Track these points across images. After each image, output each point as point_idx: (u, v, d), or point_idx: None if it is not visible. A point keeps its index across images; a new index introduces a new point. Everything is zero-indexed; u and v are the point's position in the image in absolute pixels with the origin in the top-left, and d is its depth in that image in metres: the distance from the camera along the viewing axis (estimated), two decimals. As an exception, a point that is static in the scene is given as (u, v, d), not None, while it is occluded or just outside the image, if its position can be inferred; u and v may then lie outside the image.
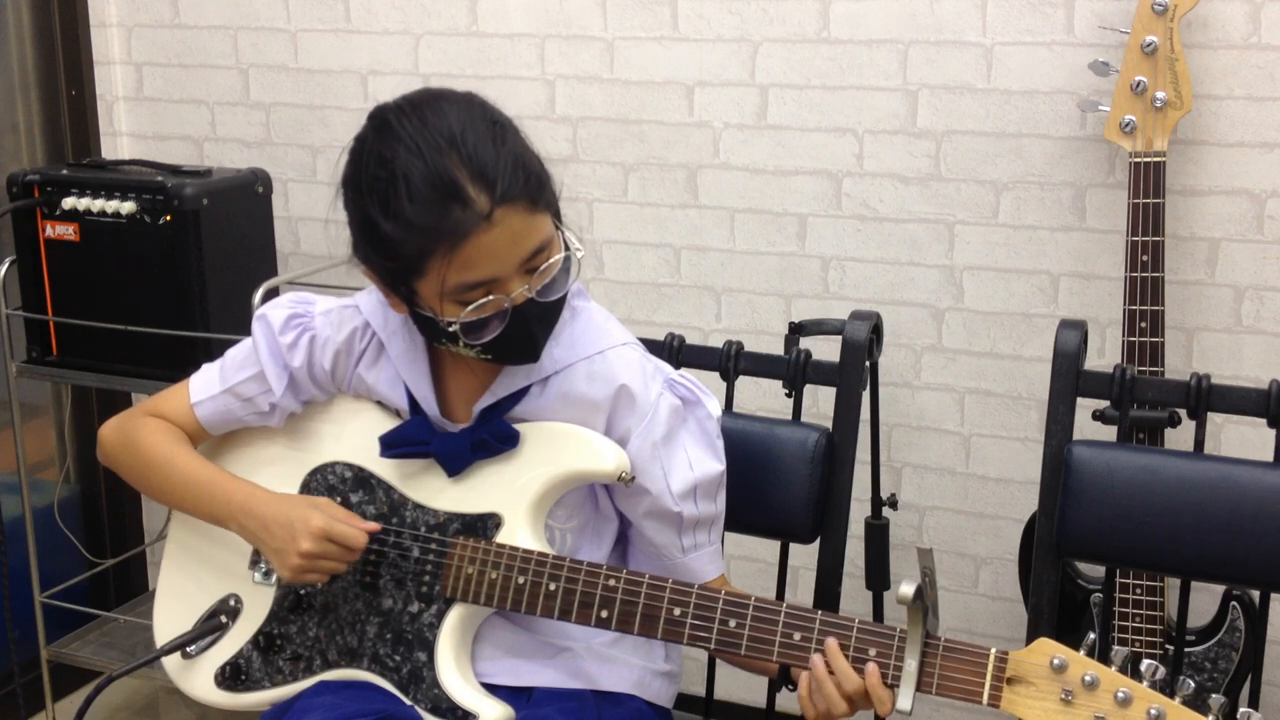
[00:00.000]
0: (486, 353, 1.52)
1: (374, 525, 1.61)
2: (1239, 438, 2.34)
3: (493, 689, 1.60)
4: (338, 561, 1.58)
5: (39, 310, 2.65)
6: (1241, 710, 1.30)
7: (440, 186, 1.42)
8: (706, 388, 1.67)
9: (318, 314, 1.70)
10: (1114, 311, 2.34)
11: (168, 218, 2.50)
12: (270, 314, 1.70)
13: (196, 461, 1.70)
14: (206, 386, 1.73)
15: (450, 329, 1.49)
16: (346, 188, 1.51)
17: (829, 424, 1.82)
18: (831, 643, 1.43)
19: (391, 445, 1.63)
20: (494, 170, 1.43)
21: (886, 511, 2.46)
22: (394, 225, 1.44)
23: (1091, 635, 1.36)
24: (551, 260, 1.49)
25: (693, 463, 1.62)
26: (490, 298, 1.46)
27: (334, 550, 1.57)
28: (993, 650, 1.37)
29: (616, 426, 1.60)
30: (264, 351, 1.69)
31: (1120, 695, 1.30)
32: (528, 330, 1.51)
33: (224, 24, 2.94)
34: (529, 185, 1.45)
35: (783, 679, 1.59)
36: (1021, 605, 2.37)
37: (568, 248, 1.52)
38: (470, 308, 1.46)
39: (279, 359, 1.69)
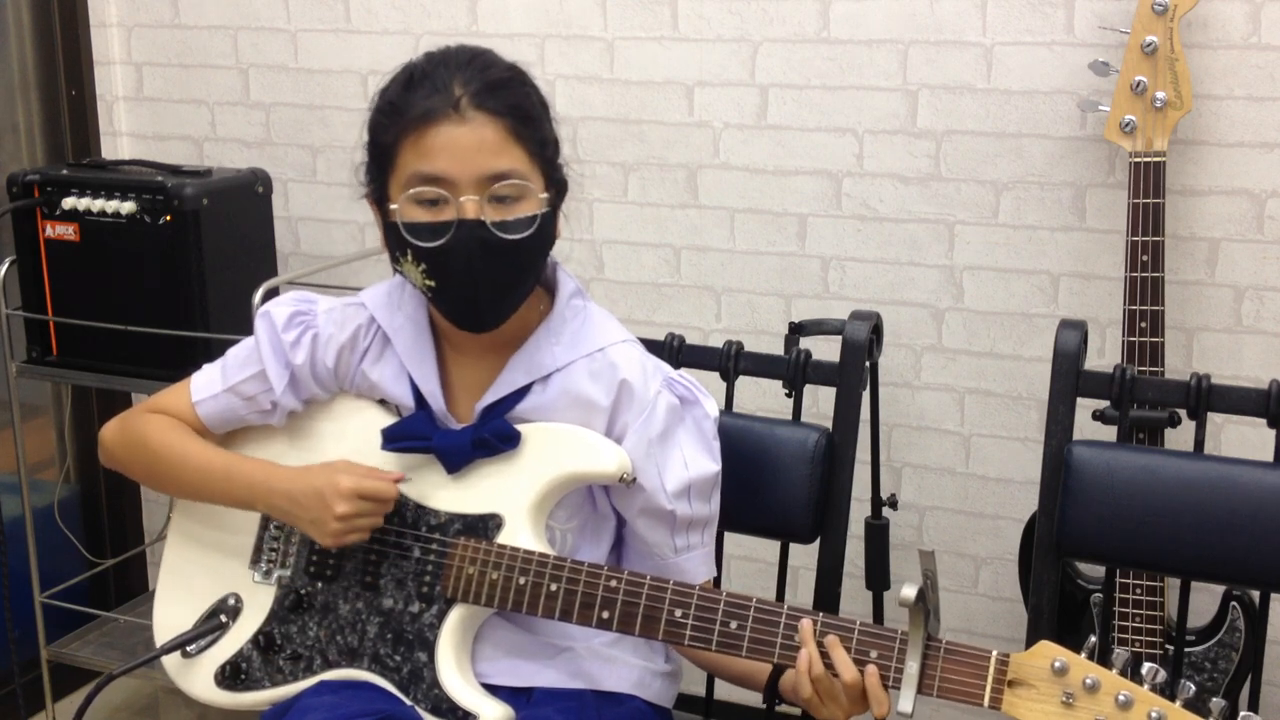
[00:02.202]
0: (431, 277, 1.53)
1: (398, 474, 1.62)
2: (1239, 438, 2.34)
3: (493, 689, 1.60)
4: (374, 517, 1.60)
5: (39, 310, 2.65)
6: (1242, 714, 1.30)
7: (428, 77, 1.52)
8: (705, 389, 1.67)
9: (320, 312, 1.70)
10: (1114, 311, 2.34)
11: (168, 218, 2.50)
12: (273, 311, 1.71)
13: (209, 449, 1.71)
14: (208, 385, 1.73)
15: (399, 225, 1.52)
16: (374, 98, 1.59)
17: (829, 424, 1.82)
18: (832, 637, 1.43)
19: (393, 439, 1.63)
20: (481, 80, 1.51)
21: (886, 511, 2.46)
22: (380, 111, 1.55)
23: (1093, 638, 1.36)
24: (511, 184, 1.52)
25: (688, 462, 1.62)
26: (440, 195, 1.50)
27: (368, 506, 1.59)
28: (994, 653, 1.37)
29: (616, 421, 1.61)
30: (266, 349, 1.69)
31: (1121, 698, 1.30)
32: (468, 261, 1.51)
33: (224, 24, 2.94)
34: (514, 113, 1.52)
35: (770, 693, 1.59)
36: (1021, 605, 2.37)
37: (552, 215, 1.57)
38: (414, 192, 1.51)
39: (281, 356, 1.69)
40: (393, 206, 1.53)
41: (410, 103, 1.51)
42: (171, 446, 1.71)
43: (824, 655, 1.43)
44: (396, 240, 1.54)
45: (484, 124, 1.50)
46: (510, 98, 1.53)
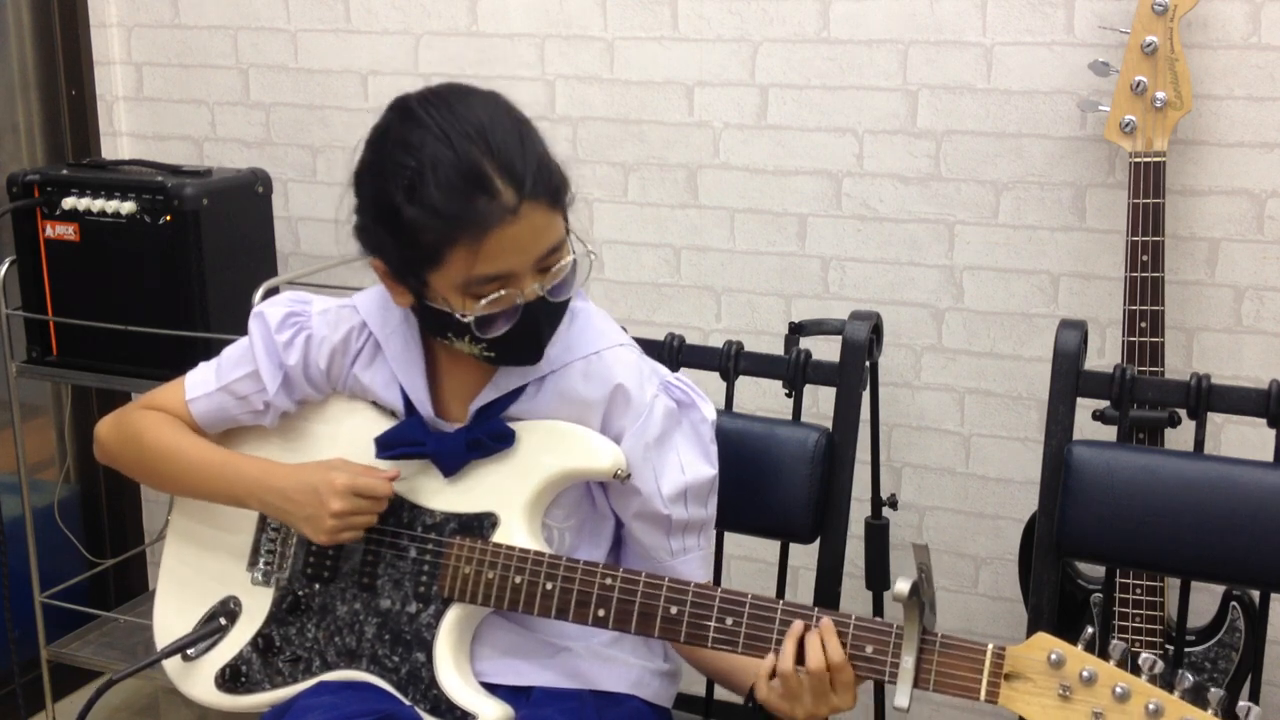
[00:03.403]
0: (491, 350, 1.52)
1: (394, 471, 1.62)
2: (1239, 438, 2.34)
3: (492, 689, 1.60)
4: (368, 515, 1.60)
5: (39, 310, 2.65)
6: (1241, 704, 1.30)
7: (469, 176, 1.43)
8: (703, 392, 1.66)
9: (315, 313, 1.70)
10: (1114, 311, 2.34)
11: (168, 218, 2.50)
12: (267, 312, 1.70)
13: (205, 445, 1.71)
14: (202, 384, 1.73)
15: (464, 320, 1.48)
16: (365, 174, 1.52)
17: (829, 424, 1.82)
18: (826, 621, 1.43)
19: (387, 446, 1.63)
20: (521, 166, 1.45)
21: (886, 511, 2.46)
22: (419, 211, 1.44)
23: (1090, 629, 1.36)
24: (564, 261, 1.51)
25: (684, 466, 1.61)
26: (503, 292, 1.47)
27: (363, 504, 1.59)
28: (990, 645, 1.37)
29: (611, 426, 1.60)
30: (259, 349, 1.69)
31: (1118, 690, 1.30)
32: (535, 330, 1.52)
33: (224, 24, 2.94)
34: (551, 184, 1.48)
35: (752, 694, 1.59)
36: (1021, 605, 2.37)
37: (582, 250, 1.54)
38: (484, 301, 1.47)
39: (274, 357, 1.69)
40: (439, 296, 1.49)
41: (455, 211, 1.43)
42: (166, 442, 1.71)
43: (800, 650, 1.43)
44: (455, 328, 1.51)
45: (534, 212, 1.46)
46: (543, 170, 1.48)
